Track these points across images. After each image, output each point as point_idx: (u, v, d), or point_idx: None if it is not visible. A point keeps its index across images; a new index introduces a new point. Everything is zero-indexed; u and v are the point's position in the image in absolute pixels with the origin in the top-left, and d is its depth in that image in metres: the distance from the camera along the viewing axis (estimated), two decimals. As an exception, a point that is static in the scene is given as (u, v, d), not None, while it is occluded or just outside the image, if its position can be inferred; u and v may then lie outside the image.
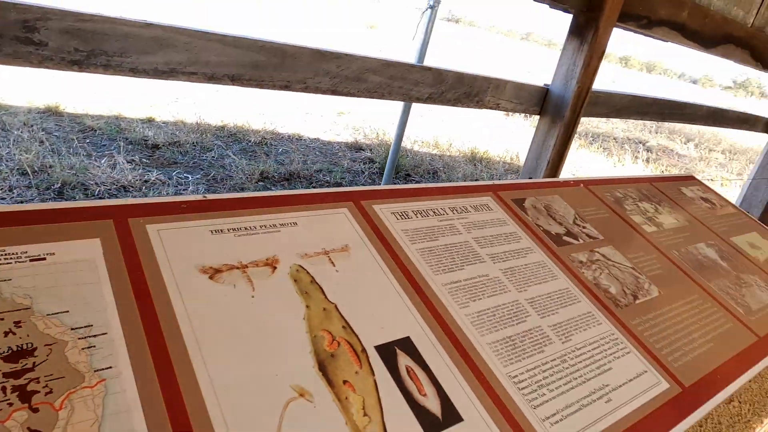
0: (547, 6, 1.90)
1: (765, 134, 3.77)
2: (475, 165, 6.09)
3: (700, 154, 9.88)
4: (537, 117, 2.11)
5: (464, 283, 0.61)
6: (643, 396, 0.57)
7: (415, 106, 8.42)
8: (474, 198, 0.79)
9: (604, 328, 0.65)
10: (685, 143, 10.56)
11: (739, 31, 2.71)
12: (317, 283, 0.52)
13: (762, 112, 4.83)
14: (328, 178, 4.88)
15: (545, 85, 2.07)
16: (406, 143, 6.28)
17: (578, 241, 0.80)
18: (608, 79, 23.13)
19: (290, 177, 4.46)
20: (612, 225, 0.89)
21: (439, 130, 7.28)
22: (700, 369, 0.66)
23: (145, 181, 3.56)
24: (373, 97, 1.56)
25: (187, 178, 3.88)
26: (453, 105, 1.77)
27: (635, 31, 2.18)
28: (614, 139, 9.30)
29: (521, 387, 0.51)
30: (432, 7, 2.60)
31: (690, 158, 9.40)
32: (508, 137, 7.65)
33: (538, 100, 2.03)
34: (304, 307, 0.49)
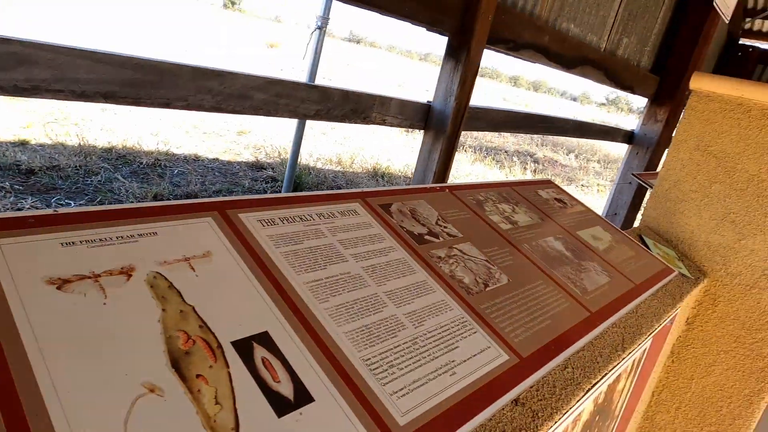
0: (425, 29, 2.05)
1: (626, 144, 4.29)
2: (377, 180, 6.25)
3: (580, 164, 10.93)
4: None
5: (326, 280, 0.66)
6: (485, 368, 0.66)
7: (319, 125, 8.48)
8: (342, 204, 0.85)
9: (455, 313, 0.73)
10: (567, 154, 11.63)
11: (594, 54, 3.09)
12: (175, 288, 0.54)
13: (627, 125, 5.45)
14: (229, 199, 4.74)
15: (428, 102, 2.22)
16: (309, 161, 6.30)
17: (439, 239, 0.89)
18: (499, 96, 24.89)
19: (187, 199, 4.29)
20: (471, 224, 0.99)
21: (343, 146, 7.39)
22: (537, 342, 0.76)
23: (18, 209, 3.25)
24: (259, 114, 1.58)
25: (68, 204, 3.59)
26: (341, 121, 1.84)
27: (505, 53, 2.41)
28: (505, 152, 10.01)
29: (373, 368, 0.57)
30: (320, 28, 2.68)
31: (571, 168, 10.37)
32: (408, 152, 7.94)
33: (421, 116, 2.17)
34: (160, 311, 0.51)
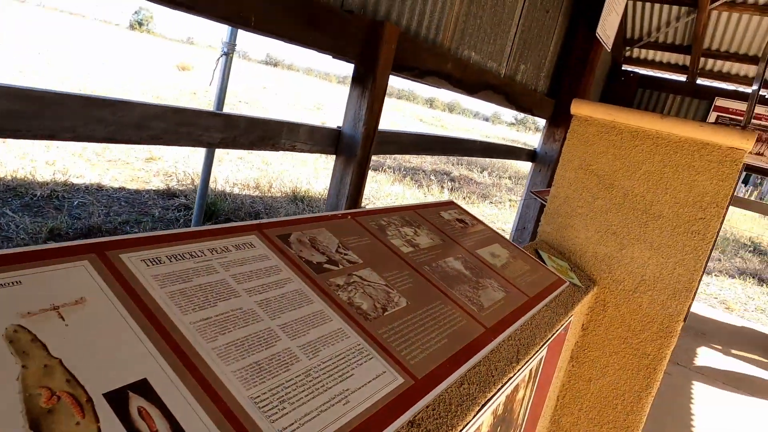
0: (330, 57, 2.09)
1: (530, 162, 4.59)
2: (297, 204, 6.19)
3: (493, 181, 11.52)
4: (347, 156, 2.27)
5: (215, 318, 0.65)
6: (380, 393, 0.67)
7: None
8: (238, 238, 0.84)
9: (352, 341, 0.74)
10: (481, 172, 12.21)
11: (495, 80, 3.30)
12: (40, 341, 0.51)
13: (534, 143, 5.78)
14: (137, 230, 4.49)
15: (338, 127, 2.25)
16: (225, 187, 6.12)
17: (338, 267, 0.90)
18: (416, 118, 25.73)
19: (89, 232, 4.00)
20: (372, 250, 1.01)
21: (261, 171, 7.25)
22: (434, 361, 0.79)
23: None
24: (158, 144, 1.53)
25: (-56, 244, 3.22)
26: (248, 149, 1.82)
27: (411, 79, 2.51)
28: (423, 171, 10.32)
29: (262, 406, 0.56)
30: (226, 54, 2.65)
31: (485, 185, 10.89)
32: (328, 175, 7.95)
33: (332, 142, 2.20)
34: (19, 368, 0.47)
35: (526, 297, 1.19)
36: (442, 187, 9.29)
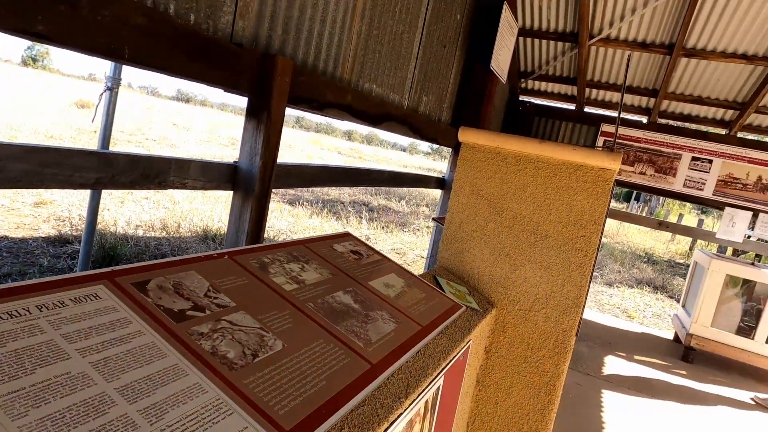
0: (221, 90, 2.02)
1: (439, 189, 4.72)
2: (208, 243, 5.91)
3: (411, 209, 11.75)
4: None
5: (29, 389, 0.55)
6: (237, 453, 0.60)
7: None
8: (81, 289, 0.74)
9: (209, 396, 0.67)
10: (399, 201, 12.43)
11: (397, 111, 3.38)
12: None
13: (441, 170, 5.95)
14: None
15: (234, 162, 2.17)
16: (128, 229, 5.72)
17: (205, 313, 0.83)
18: (335, 151, 25.91)
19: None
20: (249, 291, 0.95)
21: (169, 210, 6.86)
22: (308, 408, 0.74)
23: None
24: (18, 188, 1.37)
25: None
26: (130, 188, 1.69)
27: (310, 111, 2.49)
28: (342, 203, 10.32)
29: (77, 490, 0.48)
30: (110, 89, 2.49)
31: (404, 213, 11.08)
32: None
33: (228, 177, 2.11)
34: None
35: (418, 326, 1.17)
36: (361, 217, 9.33)
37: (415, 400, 0.98)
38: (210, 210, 7.39)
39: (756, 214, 5.45)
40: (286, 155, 16.85)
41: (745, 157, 5.50)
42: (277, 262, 1.11)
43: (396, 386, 0.96)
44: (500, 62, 4.54)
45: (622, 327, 5.95)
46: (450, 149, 4.59)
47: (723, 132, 5.77)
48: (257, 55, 2.03)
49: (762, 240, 5.62)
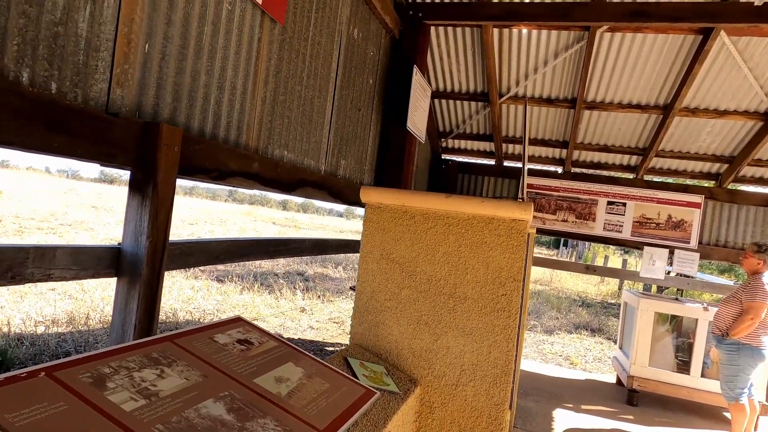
0: (98, 165, 1.79)
1: (368, 253, 4.54)
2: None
3: (348, 275, 11.49)
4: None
5: None
6: None
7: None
8: None
9: None
10: (335, 267, 12.15)
11: (313, 177, 3.24)
12: None
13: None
14: None
15: (117, 244, 1.90)
16: (23, 327, 5.06)
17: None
18: (269, 221, 25.42)
19: None
20: (59, 424, 0.70)
21: (77, 301, 6.21)
22: None
23: None
24: None
25: None
26: (-30, 287, 1.38)
27: (210, 182, 2.29)
28: (275, 274, 9.90)
29: None
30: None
31: (341, 279, 10.79)
32: (165, 294, 7.13)
33: (109, 263, 1.83)
34: None
35: (313, 431, 0.94)
36: (295, 288, 8.94)
37: None
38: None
39: (672, 250, 5.70)
40: (217, 231, 16.23)
41: (653, 198, 5.82)
42: (123, 371, 0.87)
43: None
44: (417, 123, 4.60)
45: (566, 376, 5.88)
46: (375, 211, 4.49)
47: (631, 176, 6.12)
48: (137, 125, 1.84)
49: (681, 275, 5.86)
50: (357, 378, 1.29)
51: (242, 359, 1.10)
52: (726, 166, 5.61)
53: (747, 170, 5.61)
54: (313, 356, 1.28)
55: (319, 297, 8.68)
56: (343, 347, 1.34)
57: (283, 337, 1.31)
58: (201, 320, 6.33)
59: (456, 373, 1.44)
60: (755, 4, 3.57)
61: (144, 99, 1.96)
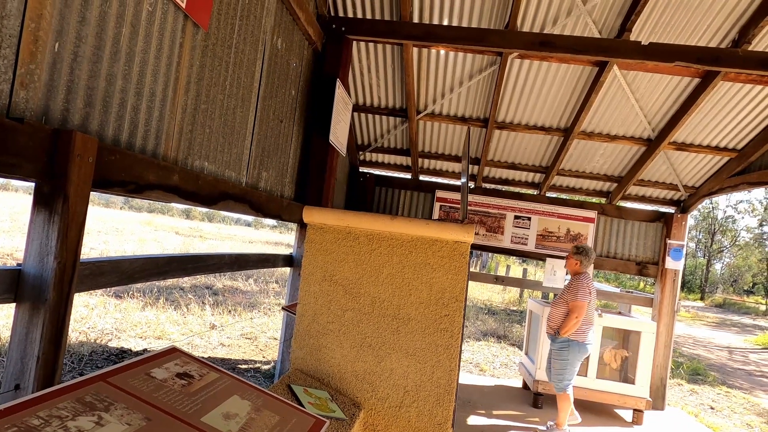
0: (-4, 176, 1.58)
1: (288, 268, 4.45)
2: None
3: (260, 287, 11.12)
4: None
5: None
6: None
7: None
8: None
9: None
10: (246, 280, 11.70)
11: (234, 189, 3.11)
12: None
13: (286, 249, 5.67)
14: None
15: (17, 265, 1.68)
16: None
17: None
18: (172, 231, 23.90)
19: None
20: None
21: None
22: None
23: None
24: None
25: None
26: None
27: (126, 195, 2.11)
28: (181, 289, 9.32)
29: None
30: None
31: (252, 293, 10.41)
32: (98, 313, 6.41)
33: (7, 287, 1.61)
34: None
35: (272, 471, 0.90)
36: (203, 303, 8.48)
37: None
38: (7, 315, 6.01)
39: (571, 262, 6.18)
40: (112, 242, 14.95)
41: (554, 213, 6.30)
42: (55, 421, 0.77)
43: None
44: (338, 136, 4.59)
45: (476, 383, 6.13)
46: (296, 224, 4.41)
47: (535, 192, 6.58)
48: (45, 132, 1.65)
49: (578, 284, 6.36)
50: (303, 406, 1.24)
51: (185, 396, 1.02)
52: (615, 185, 6.23)
53: (632, 189, 6.26)
54: (256, 386, 1.22)
55: (229, 312, 8.29)
56: (270, 364, 1.28)
57: (222, 367, 1.23)
58: (98, 341, 5.77)
59: (399, 394, 1.45)
60: (642, 43, 4.03)
61: (52, 103, 1.76)
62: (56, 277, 1.66)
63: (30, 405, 0.79)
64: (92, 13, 1.89)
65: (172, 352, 1.20)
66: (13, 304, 1.68)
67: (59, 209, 1.67)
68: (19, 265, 1.70)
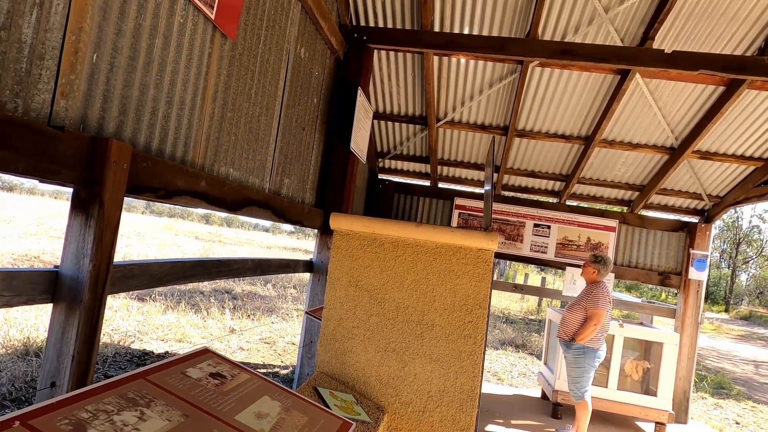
0: (38, 181, 1.65)
1: (308, 273, 4.50)
2: (29, 361, 4.85)
3: (278, 292, 11.21)
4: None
5: None
6: None
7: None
8: None
9: None
10: (264, 285, 11.81)
11: (258, 195, 3.17)
12: None
13: (306, 255, 5.75)
14: None
15: (54, 267, 1.75)
16: None
17: None
18: (191, 236, 24.26)
19: None
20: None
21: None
22: None
23: None
24: None
25: None
26: None
27: (157, 201, 2.18)
28: (201, 293, 9.45)
29: None
30: None
31: (270, 298, 10.50)
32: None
33: (45, 287, 1.68)
34: None
35: (304, 470, 0.93)
36: (223, 307, 8.59)
37: None
38: (34, 317, 6.17)
39: (591, 271, 6.12)
40: (134, 245, 15.25)
41: (574, 221, 6.25)
42: (102, 415, 0.81)
43: None
44: (359, 143, 4.64)
45: (495, 392, 6.08)
46: (316, 230, 4.46)
47: (555, 200, 6.54)
48: (84, 140, 1.72)
49: (599, 293, 6.29)
50: (329, 408, 1.27)
51: (219, 395, 1.06)
52: (637, 193, 6.16)
53: (654, 198, 6.18)
54: (285, 387, 1.25)
55: (248, 316, 8.38)
56: (289, 369, 1.32)
57: (253, 369, 1.27)
58: (121, 343, 5.89)
59: (423, 399, 1.47)
60: (665, 51, 4.00)
61: (89, 112, 1.83)
62: (91, 279, 1.72)
63: (77, 400, 0.84)
64: (128, 25, 1.96)
65: (205, 353, 1.25)
66: (50, 305, 1.75)
67: (95, 214, 1.74)
68: (56, 267, 1.77)
